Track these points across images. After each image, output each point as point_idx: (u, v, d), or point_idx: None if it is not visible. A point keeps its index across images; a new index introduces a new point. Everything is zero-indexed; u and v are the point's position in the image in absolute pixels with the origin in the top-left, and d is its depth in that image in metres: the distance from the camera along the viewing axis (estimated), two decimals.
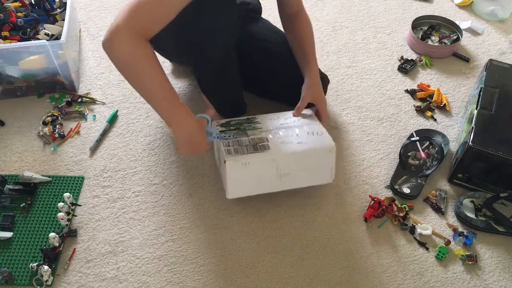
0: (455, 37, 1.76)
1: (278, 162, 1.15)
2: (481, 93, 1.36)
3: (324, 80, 1.42)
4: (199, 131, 1.12)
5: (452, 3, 1.98)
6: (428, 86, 1.60)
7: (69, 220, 1.19)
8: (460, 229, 1.22)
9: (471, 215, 1.23)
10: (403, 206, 1.24)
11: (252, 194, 1.19)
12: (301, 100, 1.28)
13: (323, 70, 1.60)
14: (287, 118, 1.27)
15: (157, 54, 1.44)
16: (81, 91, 1.53)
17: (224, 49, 1.20)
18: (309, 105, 1.30)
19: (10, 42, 1.43)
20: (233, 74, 1.29)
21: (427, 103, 1.54)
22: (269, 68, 1.38)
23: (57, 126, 1.40)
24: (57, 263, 1.12)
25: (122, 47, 0.97)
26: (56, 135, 1.38)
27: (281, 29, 1.47)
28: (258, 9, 1.53)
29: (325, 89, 1.44)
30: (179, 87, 1.55)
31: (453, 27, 1.79)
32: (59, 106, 1.46)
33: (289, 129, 1.22)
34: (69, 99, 1.48)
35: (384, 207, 1.24)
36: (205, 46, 1.18)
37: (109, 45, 0.98)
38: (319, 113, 1.29)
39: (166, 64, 1.61)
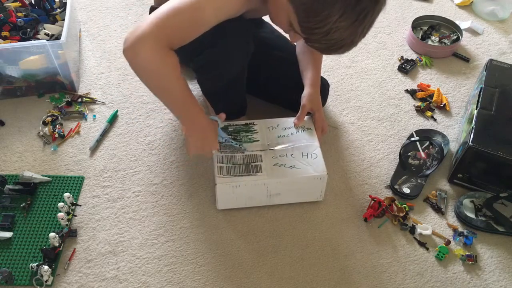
0: (455, 37, 1.76)
1: (268, 186, 1.18)
2: (481, 93, 1.36)
3: (325, 86, 1.41)
4: (211, 129, 1.14)
5: (452, 3, 1.98)
6: (428, 86, 1.60)
7: (69, 220, 1.19)
8: (460, 229, 1.22)
9: (471, 215, 1.23)
10: (403, 206, 1.24)
11: (241, 207, 1.23)
12: (301, 109, 1.27)
13: (323, 71, 1.60)
14: (285, 128, 1.27)
15: None
16: (81, 91, 1.53)
17: (238, 69, 1.21)
18: (307, 113, 1.30)
19: (10, 42, 1.43)
20: (239, 85, 1.29)
21: (427, 103, 1.54)
22: (272, 73, 1.38)
23: (57, 126, 1.40)
24: (57, 263, 1.12)
25: (148, 57, 0.95)
26: (56, 135, 1.38)
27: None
28: None
29: (326, 94, 1.43)
30: None
31: (453, 27, 1.79)
32: (59, 106, 1.46)
33: (284, 146, 1.22)
34: (69, 99, 1.48)
35: (384, 207, 1.24)
36: (220, 67, 1.19)
37: (133, 53, 0.95)
38: (315, 125, 1.28)
39: None
